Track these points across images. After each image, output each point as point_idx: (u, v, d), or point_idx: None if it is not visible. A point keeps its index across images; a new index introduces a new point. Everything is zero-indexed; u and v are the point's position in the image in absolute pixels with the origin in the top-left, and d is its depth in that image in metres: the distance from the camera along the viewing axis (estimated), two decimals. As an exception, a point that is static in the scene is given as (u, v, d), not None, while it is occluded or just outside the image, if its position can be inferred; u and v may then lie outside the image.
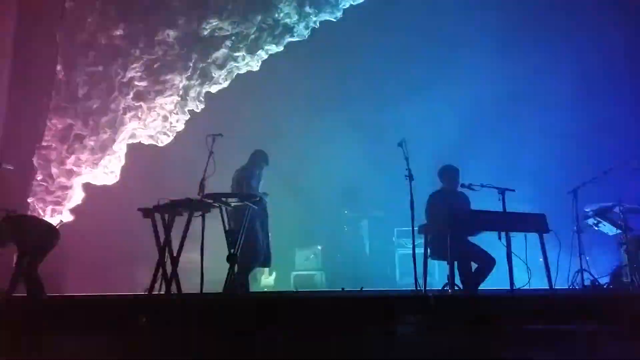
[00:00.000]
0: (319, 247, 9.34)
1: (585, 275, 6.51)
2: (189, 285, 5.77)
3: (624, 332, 4.28)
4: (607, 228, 6.87)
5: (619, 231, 6.72)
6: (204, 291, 5.50)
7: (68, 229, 8.42)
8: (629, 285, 6.24)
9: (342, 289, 7.05)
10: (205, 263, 5.54)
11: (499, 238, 5.71)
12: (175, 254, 5.55)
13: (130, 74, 8.41)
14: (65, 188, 8.35)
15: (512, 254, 5.65)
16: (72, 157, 8.33)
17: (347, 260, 9.39)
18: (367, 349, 3.71)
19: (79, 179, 8.47)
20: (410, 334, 4.39)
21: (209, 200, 5.57)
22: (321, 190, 9.53)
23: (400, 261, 9.10)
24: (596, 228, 6.98)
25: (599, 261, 7.01)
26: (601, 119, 8.77)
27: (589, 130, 8.82)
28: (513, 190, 5.93)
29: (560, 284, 6.22)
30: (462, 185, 6.05)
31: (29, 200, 8.16)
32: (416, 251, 5.54)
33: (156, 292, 5.48)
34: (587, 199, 6.89)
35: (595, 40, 9.07)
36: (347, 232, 9.81)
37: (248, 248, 6.16)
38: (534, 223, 5.75)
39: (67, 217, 8.42)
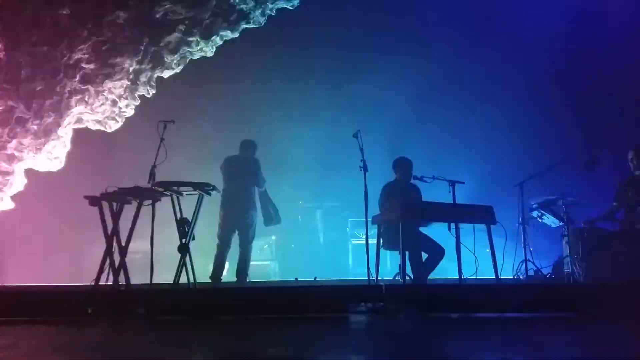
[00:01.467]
0: (273, 238, 9.31)
1: (529, 265, 6.79)
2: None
3: (564, 318, 4.50)
4: (550, 220, 7.16)
5: (561, 223, 7.02)
6: (153, 282, 5.38)
7: (9, 217, 8.05)
8: (570, 275, 6.54)
9: (296, 279, 7.06)
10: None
11: (449, 229, 5.87)
12: (123, 244, 5.40)
13: (77, 55, 8.04)
14: (6, 174, 7.93)
15: (461, 245, 5.82)
16: (14, 142, 7.91)
17: (301, 250, 9.42)
18: (319, 337, 3.73)
19: (21, 164, 8.07)
20: (363, 323, 4.45)
21: (160, 189, 5.44)
22: (274, 180, 9.48)
23: (353, 251, 9.20)
24: (540, 220, 7.26)
25: (543, 252, 7.32)
26: (547, 116, 9.14)
27: (536, 126, 9.17)
28: (463, 183, 6.09)
29: (506, 273, 6.46)
30: (415, 177, 6.16)
31: (-34, 186, 7.72)
32: (369, 241, 5.61)
33: (103, 283, 5.31)
34: (532, 192, 7.16)
35: (542, 41, 9.41)
36: (301, 223, 9.82)
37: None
38: (482, 215, 5.93)
39: (8, 205, 8.03)
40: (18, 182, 8.11)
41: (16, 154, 7.97)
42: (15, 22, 7.87)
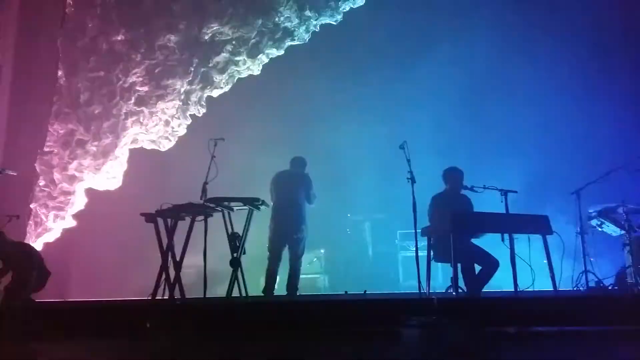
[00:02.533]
0: (322, 251, 9.31)
1: (590, 276, 6.49)
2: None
3: (629, 332, 4.27)
4: (611, 229, 6.83)
5: (622, 232, 6.69)
6: (207, 296, 5.49)
7: (71, 234, 8.45)
8: (633, 287, 6.21)
9: (345, 292, 7.03)
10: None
11: (502, 240, 5.70)
12: (178, 259, 5.55)
13: (131, 79, 8.42)
14: (68, 193, 8.35)
15: (516, 256, 5.64)
16: (75, 163, 8.34)
17: (350, 263, 9.37)
18: (371, 352, 3.70)
19: (82, 184, 8.48)
20: (414, 337, 4.38)
21: (211, 204, 5.57)
22: (322, 194, 9.51)
23: (403, 264, 9.06)
24: (600, 229, 6.94)
25: (604, 262, 6.98)
26: (604, 119, 8.76)
27: (592, 130, 8.80)
28: (515, 192, 5.92)
29: (565, 285, 6.20)
30: (465, 187, 6.04)
31: (32, 206, 8.16)
32: (419, 253, 5.52)
33: (159, 297, 5.47)
34: (590, 200, 6.86)
35: (596, 38, 9.06)
36: (349, 235, 9.78)
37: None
38: (537, 225, 5.73)
39: (70, 223, 8.43)
40: (79, 201, 8.51)
41: (77, 174, 8.38)
42: (74, 49, 8.35)
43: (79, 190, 8.47)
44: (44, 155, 8.23)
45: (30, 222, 8.07)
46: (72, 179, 8.39)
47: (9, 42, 8.30)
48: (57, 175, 8.28)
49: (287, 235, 6.93)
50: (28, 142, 8.15)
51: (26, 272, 5.85)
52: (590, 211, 6.90)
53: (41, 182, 8.23)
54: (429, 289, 5.65)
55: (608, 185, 6.76)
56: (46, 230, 8.25)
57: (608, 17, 8.96)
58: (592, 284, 6.47)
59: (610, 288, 6.48)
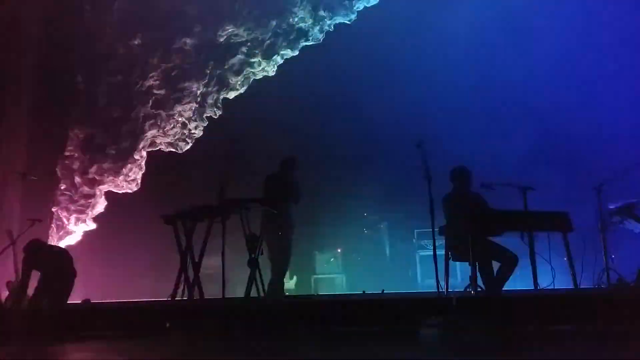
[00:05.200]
0: (339, 250, 9.32)
1: (612, 273, 6.38)
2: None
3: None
4: (633, 225, 6.72)
5: (644, 228, 6.57)
6: (225, 296, 5.53)
7: (92, 236, 8.58)
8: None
9: (363, 291, 7.02)
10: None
11: (521, 238, 5.63)
12: (197, 260, 5.60)
13: (148, 82, 8.53)
14: (89, 196, 8.49)
15: (536, 254, 5.57)
16: (94, 166, 8.47)
17: (368, 262, 9.36)
18: (389, 351, 3.69)
19: (102, 187, 8.61)
20: (433, 337, 4.36)
21: (229, 206, 5.61)
22: (340, 193, 9.51)
23: (421, 263, 9.02)
24: (621, 225, 6.83)
25: (625, 259, 6.86)
26: (624, 114, 8.62)
27: (613, 126, 8.66)
28: (534, 189, 5.84)
29: (586, 283, 6.11)
30: (482, 185, 5.97)
31: (53, 209, 8.31)
32: (437, 252, 5.49)
33: (179, 298, 5.53)
34: (611, 196, 6.75)
35: (618, 37, 8.91)
36: (366, 235, 9.77)
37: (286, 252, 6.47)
38: (557, 222, 5.65)
39: (91, 226, 8.56)
40: (99, 204, 8.64)
41: (97, 177, 8.52)
42: (92, 54, 8.48)
43: (99, 193, 8.60)
44: (64, 159, 8.38)
45: (52, 225, 8.22)
46: (93, 182, 8.53)
47: (28, 47, 8.46)
48: (77, 179, 8.43)
49: (275, 238, 6.62)
50: (49, 147, 8.29)
51: (54, 274, 6.00)
52: (611, 207, 6.80)
53: (62, 186, 8.38)
54: (447, 288, 5.61)
55: (630, 180, 6.65)
56: (68, 233, 8.40)
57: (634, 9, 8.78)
58: (613, 281, 6.36)
59: (632, 285, 6.37)
